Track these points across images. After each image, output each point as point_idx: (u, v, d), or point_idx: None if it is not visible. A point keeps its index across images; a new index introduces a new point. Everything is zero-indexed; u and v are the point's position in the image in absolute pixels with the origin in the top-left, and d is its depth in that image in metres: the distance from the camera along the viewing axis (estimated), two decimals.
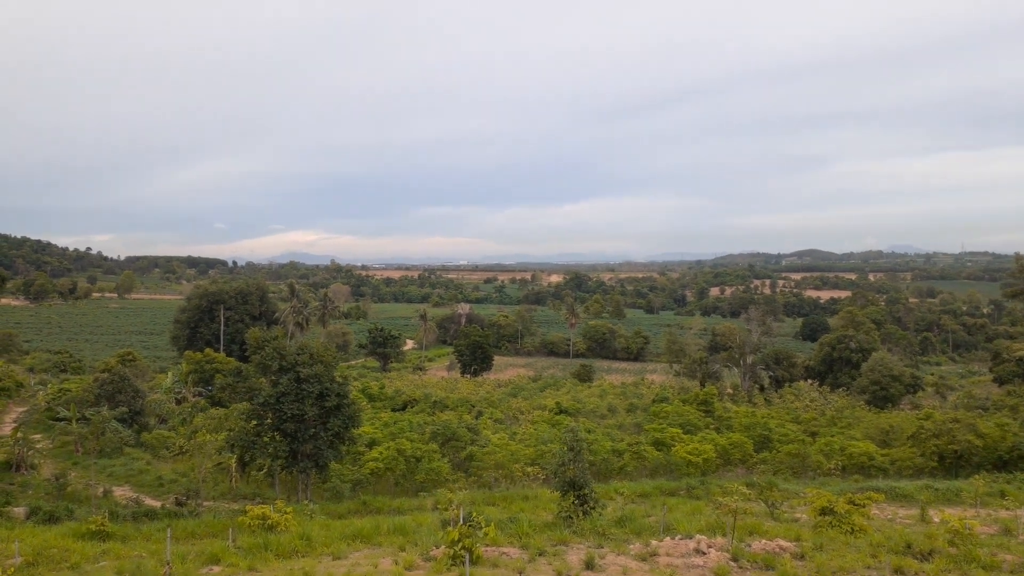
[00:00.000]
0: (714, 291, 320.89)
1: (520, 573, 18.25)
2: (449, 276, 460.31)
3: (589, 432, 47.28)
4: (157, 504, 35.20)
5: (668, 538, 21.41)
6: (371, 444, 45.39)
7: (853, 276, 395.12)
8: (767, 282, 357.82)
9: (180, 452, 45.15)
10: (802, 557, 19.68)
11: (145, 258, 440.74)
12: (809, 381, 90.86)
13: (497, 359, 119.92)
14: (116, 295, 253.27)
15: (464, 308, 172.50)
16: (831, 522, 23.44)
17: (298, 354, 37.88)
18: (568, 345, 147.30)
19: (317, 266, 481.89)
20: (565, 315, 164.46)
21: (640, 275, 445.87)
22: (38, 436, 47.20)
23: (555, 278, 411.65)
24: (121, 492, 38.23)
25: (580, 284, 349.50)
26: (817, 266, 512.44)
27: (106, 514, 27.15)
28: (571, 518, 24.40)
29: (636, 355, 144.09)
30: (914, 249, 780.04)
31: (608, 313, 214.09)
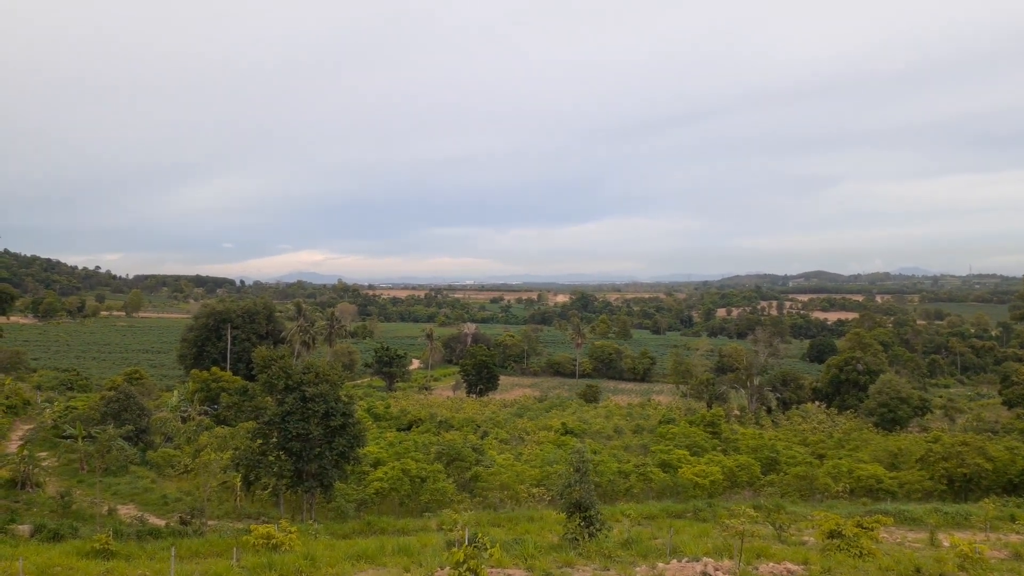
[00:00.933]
0: (721, 312, 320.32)
1: None
2: (455, 296, 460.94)
3: (595, 453, 47.08)
4: (161, 523, 35.12)
5: (675, 560, 21.25)
6: (376, 464, 45.26)
7: (860, 298, 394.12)
8: (774, 303, 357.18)
9: (185, 470, 45.12)
10: None
11: (153, 277, 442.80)
12: (816, 403, 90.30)
13: (503, 379, 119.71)
14: (124, 313, 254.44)
15: (470, 328, 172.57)
16: (839, 545, 23.22)
17: (304, 373, 37.91)
18: (574, 365, 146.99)
19: (324, 285, 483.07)
20: (571, 335, 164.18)
21: (646, 296, 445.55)
22: (44, 454, 47.27)
23: (561, 298, 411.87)
24: (126, 510, 38.17)
25: (586, 304, 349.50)
26: (824, 288, 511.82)
27: (110, 532, 27.08)
28: (577, 540, 24.25)
29: (642, 376, 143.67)
30: (921, 271, 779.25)
31: (614, 333, 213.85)
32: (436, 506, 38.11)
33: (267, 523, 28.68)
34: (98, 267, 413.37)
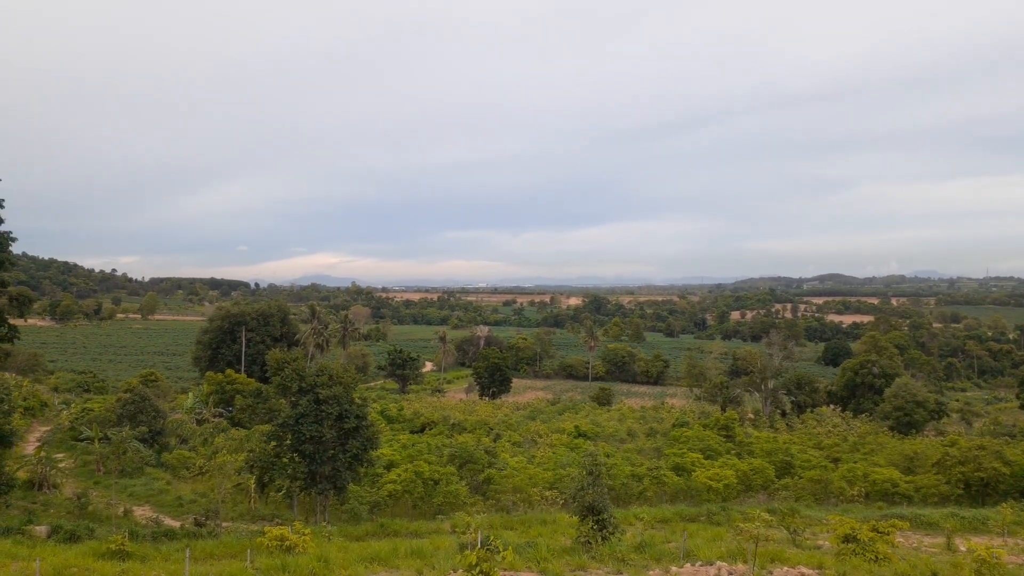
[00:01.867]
0: (735, 315, 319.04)
1: None
2: (468, 298, 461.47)
3: (608, 456, 46.98)
4: (176, 524, 35.33)
5: (688, 564, 21.18)
6: (389, 466, 45.36)
7: (876, 301, 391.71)
8: (788, 306, 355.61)
9: (200, 472, 45.38)
10: None
11: (169, 280, 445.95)
12: (831, 406, 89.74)
13: (516, 382, 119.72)
14: (140, 316, 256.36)
15: (483, 330, 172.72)
16: (854, 550, 23.07)
17: (317, 375, 38.06)
18: (587, 368, 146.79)
19: (338, 288, 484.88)
20: (584, 338, 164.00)
21: (660, 298, 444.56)
22: (61, 455, 47.68)
23: (574, 301, 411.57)
24: (141, 512, 38.43)
25: (599, 307, 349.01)
26: (839, 290, 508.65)
27: (126, 534, 27.28)
28: (590, 543, 24.20)
29: (656, 379, 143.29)
30: (937, 274, 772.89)
31: (627, 336, 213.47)
32: (449, 508, 38.14)
33: (281, 525, 28.79)
34: (114, 270, 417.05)
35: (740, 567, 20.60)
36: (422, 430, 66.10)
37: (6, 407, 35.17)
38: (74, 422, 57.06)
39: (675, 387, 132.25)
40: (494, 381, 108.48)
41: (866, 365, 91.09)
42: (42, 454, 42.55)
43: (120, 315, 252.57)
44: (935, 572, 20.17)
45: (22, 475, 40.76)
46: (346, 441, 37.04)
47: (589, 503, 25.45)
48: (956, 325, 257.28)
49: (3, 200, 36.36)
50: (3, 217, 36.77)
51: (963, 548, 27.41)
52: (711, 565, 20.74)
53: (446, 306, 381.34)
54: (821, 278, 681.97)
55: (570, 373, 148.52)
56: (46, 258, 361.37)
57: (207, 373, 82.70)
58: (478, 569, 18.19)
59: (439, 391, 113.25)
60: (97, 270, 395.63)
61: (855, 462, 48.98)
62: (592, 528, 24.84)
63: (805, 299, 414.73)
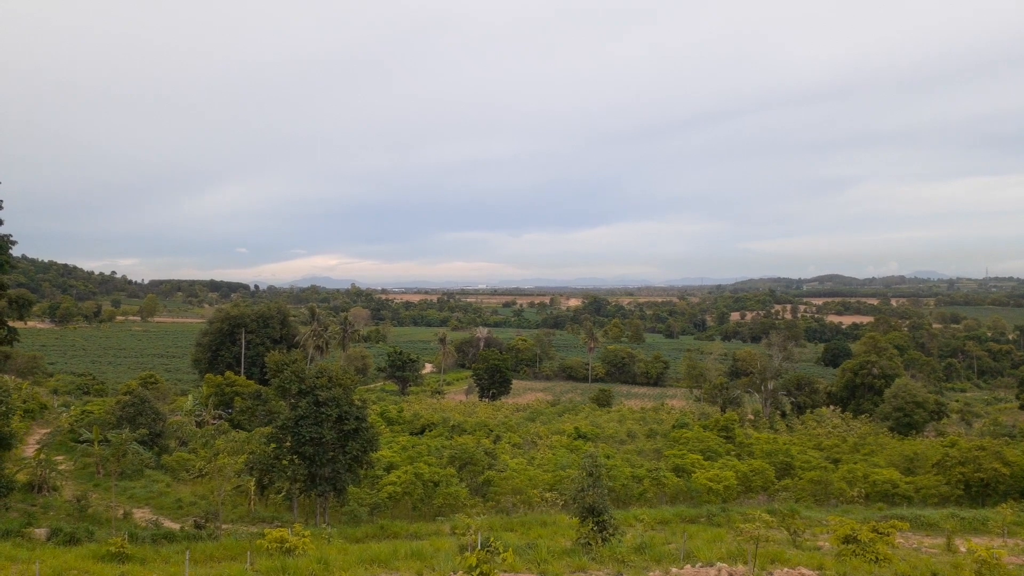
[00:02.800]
0: (734, 316, 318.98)
1: None
2: (468, 300, 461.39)
3: (608, 458, 46.96)
4: (176, 526, 35.33)
5: (688, 566, 21.17)
6: (389, 468, 45.34)
7: (875, 301, 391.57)
8: (788, 307, 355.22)
9: (200, 474, 45.33)
10: None
11: (168, 282, 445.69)
12: (831, 407, 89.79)
13: (515, 383, 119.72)
14: (139, 318, 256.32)
15: (483, 332, 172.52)
16: (854, 551, 23.06)
17: (317, 377, 38.04)
18: (587, 369, 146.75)
19: (338, 290, 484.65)
20: (584, 339, 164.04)
21: (659, 300, 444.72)
22: (61, 457, 47.65)
23: (574, 302, 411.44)
24: (141, 514, 38.42)
25: (599, 308, 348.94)
26: (839, 291, 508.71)
27: (126, 536, 27.26)
28: (590, 544, 24.19)
29: (655, 380, 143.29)
30: (937, 274, 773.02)
31: (627, 337, 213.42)
32: (449, 510, 38.12)
33: (281, 527, 28.76)
34: (114, 272, 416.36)
35: (740, 568, 20.58)
36: (422, 432, 66.07)
37: (5, 409, 35.13)
38: (74, 424, 57.01)
39: (675, 388, 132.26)
40: (494, 382, 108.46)
41: (866, 366, 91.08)
42: (42, 456, 42.50)
43: (120, 317, 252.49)
44: (935, 573, 20.16)
45: (22, 477, 40.72)
46: (346, 443, 37.02)
47: (589, 504, 25.44)
48: (956, 326, 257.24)
49: (2, 202, 36.37)
50: (2, 219, 36.77)
51: (963, 549, 27.40)
52: (711, 566, 20.72)
53: (446, 308, 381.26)
54: (821, 279, 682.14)
55: (570, 374, 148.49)
56: (46, 260, 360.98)
57: (207, 375, 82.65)
58: (478, 571, 18.17)
59: (439, 393, 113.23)
60: (97, 272, 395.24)
61: (855, 463, 48.97)
62: (592, 529, 24.82)
63: (805, 300, 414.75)
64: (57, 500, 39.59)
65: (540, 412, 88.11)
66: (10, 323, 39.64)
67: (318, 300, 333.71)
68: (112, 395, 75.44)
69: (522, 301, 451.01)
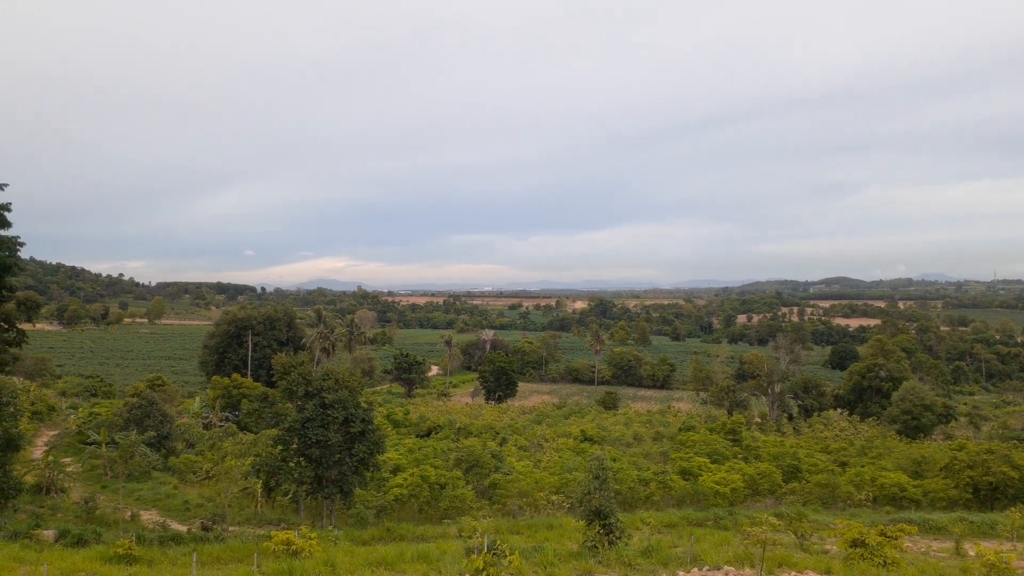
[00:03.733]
0: (741, 318, 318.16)
1: None
2: (474, 302, 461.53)
3: (614, 460, 46.89)
4: (183, 528, 35.40)
5: (696, 569, 21.13)
6: (395, 470, 45.35)
7: (883, 304, 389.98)
8: (795, 309, 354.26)
9: (207, 476, 45.44)
10: None
11: (175, 284, 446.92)
12: (838, 410, 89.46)
13: (521, 386, 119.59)
14: (147, 320, 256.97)
15: (488, 334, 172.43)
16: (862, 554, 22.96)
17: (323, 379, 38.09)
18: (593, 372, 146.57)
19: (344, 292, 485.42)
20: (590, 342, 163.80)
21: (666, 302, 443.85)
22: (68, 459, 47.80)
23: (580, 305, 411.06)
24: (148, 516, 38.51)
25: (605, 311, 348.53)
26: (846, 294, 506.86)
27: (133, 538, 27.34)
28: (596, 548, 24.15)
29: (662, 383, 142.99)
30: (945, 277, 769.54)
31: (633, 340, 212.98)
32: (455, 513, 38.09)
33: (287, 529, 28.79)
34: (122, 274, 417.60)
35: (747, 572, 20.52)
36: (428, 434, 66.08)
37: (13, 411, 35.27)
38: (81, 426, 57.22)
39: (681, 391, 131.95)
40: (500, 385, 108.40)
41: (873, 369, 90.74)
42: (49, 458, 42.69)
43: (127, 319, 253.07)
44: None
45: (30, 479, 40.90)
46: (352, 445, 37.07)
47: (596, 507, 25.40)
48: (964, 328, 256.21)
49: (10, 204, 36.51)
50: (11, 221, 36.89)
51: (972, 553, 27.25)
52: (718, 570, 20.67)
53: (452, 310, 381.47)
54: (828, 281, 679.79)
55: (576, 377, 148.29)
56: (54, 263, 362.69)
57: (214, 377, 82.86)
58: (485, 573, 18.17)
59: (445, 395, 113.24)
60: (104, 275, 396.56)
61: (863, 466, 48.80)
62: (599, 532, 24.78)
63: (812, 302, 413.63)
64: (65, 502, 39.72)
65: (546, 415, 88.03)
66: (18, 325, 39.80)
67: (324, 302, 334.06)
68: (119, 397, 75.66)
69: (528, 303, 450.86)
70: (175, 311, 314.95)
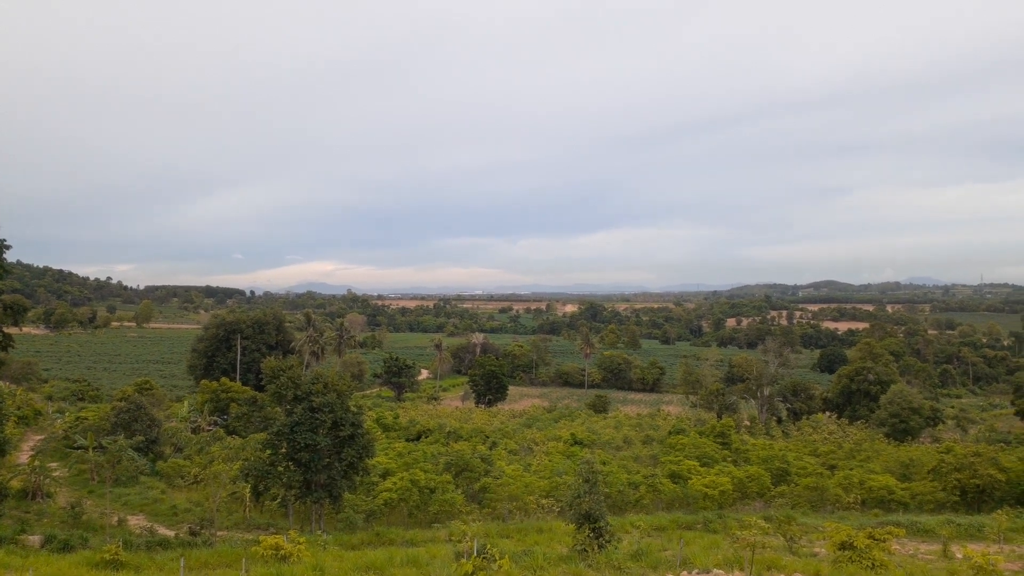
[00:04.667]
0: (730, 322, 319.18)
1: None
2: (464, 306, 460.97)
3: (604, 464, 46.90)
4: (171, 533, 35.17)
5: (685, 572, 21.15)
6: (385, 474, 45.23)
7: (871, 308, 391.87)
8: (784, 313, 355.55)
9: (195, 481, 45.21)
10: None
11: (164, 288, 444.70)
12: (827, 413, 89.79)
13: (512, 389, 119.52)
14: (135, 324, 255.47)
15: (479, 338, 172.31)
16: (851, 557, 23.05)
17: (312, 383, 37.98)
18: (583, 375, 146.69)
19: (334, 296, 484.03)
20: (580, 345, 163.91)
21: (656, 305, 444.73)
22: (55, 464, 47.44)
23: (570, 308, 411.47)
24: (136, 521, 38.26)
25: (595, 314, 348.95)
26: (834, 297, 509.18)
27: (120, 543, 27.15)
28: (586, 551, 24.15)
29: (652, 386, 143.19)
30: (932, 281, 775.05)
31: (623, 343, 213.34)
32: (445, 517, 38.05)
33: (276, 534, 28.68)
34: (109, 278, 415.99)
35: (737, 575, 20.57)
36: (418, 438, 65.92)
37: None
38: (68, 431, 56.81)
39: (671, 394, 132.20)
40: (490, 388, 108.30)
41: (861, 372, 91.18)
42: (36, 463, 42.34)
43: (115, 323, 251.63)
44: None
45: (15, 484, 40.55)
46: (341, 449, 36.96)
47: (585, 511, 25.40)
48: (951, 332, 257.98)
49: None
50: None
51: (959, 555, 27.40)
52: (708, 573, 20.71)
53: (442, 313, 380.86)
54: (816, 285, 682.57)
55: (566, 380, 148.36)
56: (41, 266, 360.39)
57: (202, 381, 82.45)
58: None
59: (435, 399, 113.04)
60: (92, 278, 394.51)
61: (851, 469, 49.01)
62: (589, 536, 24.78)
63: (800, 306, 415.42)
64: (51, 507, 39.42)
65: (536, 418, 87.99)
66: (5, 329, 39.56)
67: (314, 306, 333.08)
68: (107, 401, 75.20)
69: (519, 307, 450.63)
70: (163, 315, 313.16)
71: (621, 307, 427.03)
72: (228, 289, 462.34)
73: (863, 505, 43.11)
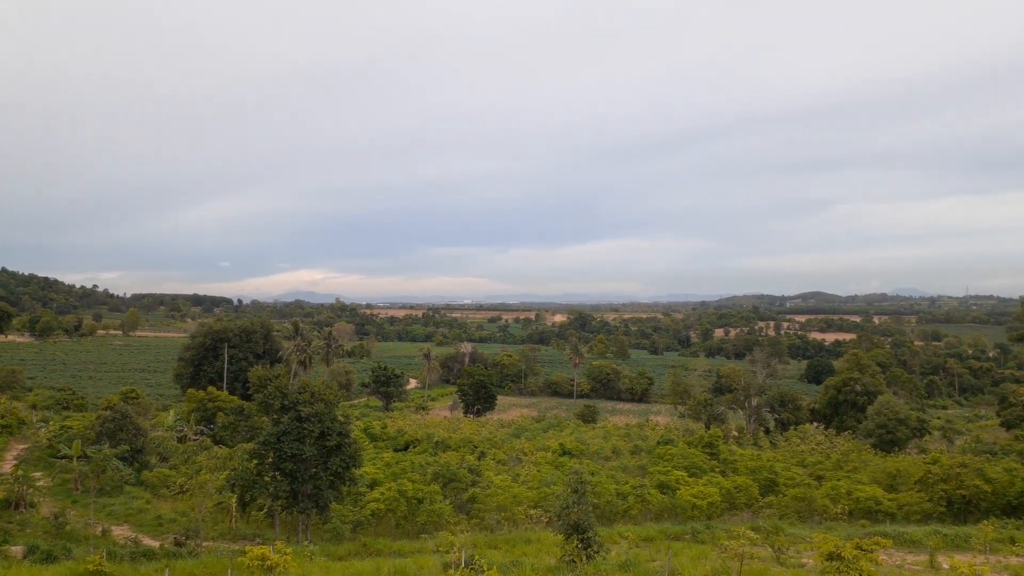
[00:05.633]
0: (718, 332, 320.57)
1: None
2: (453, 315, 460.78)
3: (593, 474, 46.87)
4: (156, 544, 34.83)
5: None
6: (372, 485, 45.02)
7: (858, 319, 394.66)
8: (771, 324, 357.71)
9: (180, 491, 44.83)
10: None
11: (151, 296, 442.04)
12: (815, 424, 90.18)
13: (500, 399, 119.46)
14: (121, 332, 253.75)
15: (468, 347, 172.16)
16: (838, 567, 23.05)
17: (300, 393, 37.81)
18: (572, 385, 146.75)
19: (322, 305, 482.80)
20: (569, 355, 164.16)
21: (644, 316, 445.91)
22: (39, 473, 47.01)
23: (559, 318, 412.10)
24: (120, 531, 37.89)
25: (584, 324, 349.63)
26: (822, 308, 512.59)
27: (104, 554, 26.84)
28: (574, 562, 24.10)
29: (640, 396, 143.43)
30: (919, 292, 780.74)
31: (612, 353, 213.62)
32: (433, 527, 37.87)
33: (262, 544, 28.44)
34: (96, 285, 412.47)
35: None
36: (406, 448, 65.74)
37: None
38: (52, 440, 56.33)
39: (660, 404, 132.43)
40: (479, 398, 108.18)
41: (849, 383, 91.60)
42: (19, 472, 41.95)
43: (101, 331, 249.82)
44: None
45: None
46: (328, 459, 36.77)
47: (574, 521, 25.36)
48: (937, 343, 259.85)
49: None
50: None
51: (946, 566, 27.51)
52: None
53: (431, 323, 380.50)
54: (804, 296, 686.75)
55: (555, 390, 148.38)
56: (26, 273, 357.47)
57: (189, 390, 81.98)
58: None
59: (423, 408, 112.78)
60: (78, 286, 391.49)
61: (838, 480, 49.12)
62: (577, 547, 24.74)
63: (788, 317, 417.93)
64: (34, 517, 38.99)
65: (525, 428, 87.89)
66: None
67: (302, 315, 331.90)
68: (92, 410, 74.58)
69: (507, 316, 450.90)
70: (150, 323, 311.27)
71: (610, 317, 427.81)
72: (216, 297, 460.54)
73: (850, 516, 43.20)
